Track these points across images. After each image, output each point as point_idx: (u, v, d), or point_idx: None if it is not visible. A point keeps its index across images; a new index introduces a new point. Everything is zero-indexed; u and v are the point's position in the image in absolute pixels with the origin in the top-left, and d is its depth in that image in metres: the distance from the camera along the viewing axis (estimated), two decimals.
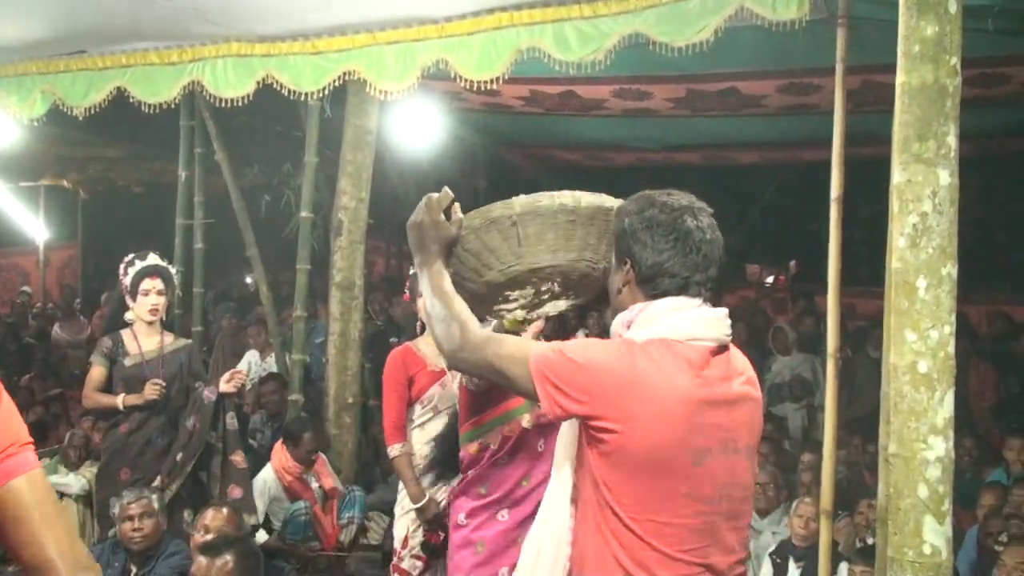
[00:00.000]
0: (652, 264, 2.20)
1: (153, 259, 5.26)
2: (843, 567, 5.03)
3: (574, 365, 2.12)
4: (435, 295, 2.30)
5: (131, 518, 4.59)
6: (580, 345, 2.21)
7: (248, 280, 11.16)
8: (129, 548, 4.62)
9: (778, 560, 5.33)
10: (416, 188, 9.48)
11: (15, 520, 1.71)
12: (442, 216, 2.35)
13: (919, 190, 2.95)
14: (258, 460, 6.16)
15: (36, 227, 13.94)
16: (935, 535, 2.91)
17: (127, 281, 5.23)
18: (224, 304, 9.48)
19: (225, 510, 4.56)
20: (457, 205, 2.41)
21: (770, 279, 12.47)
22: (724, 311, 2.26)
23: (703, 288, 2.22)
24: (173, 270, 5.51)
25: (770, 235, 11.42)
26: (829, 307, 4.34)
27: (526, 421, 3.90)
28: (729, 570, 2.19)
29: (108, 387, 5.27)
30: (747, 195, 10.45)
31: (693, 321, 2.19)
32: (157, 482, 5.09)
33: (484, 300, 2.53)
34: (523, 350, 2.20)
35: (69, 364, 9.65)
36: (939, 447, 2.92)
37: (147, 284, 5.20)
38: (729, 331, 2.26)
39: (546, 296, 2.53)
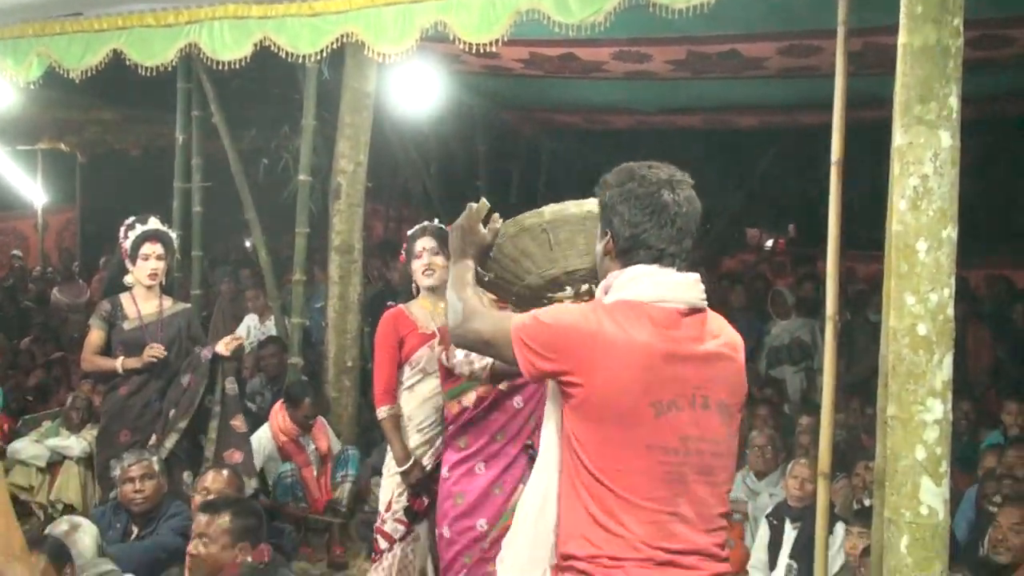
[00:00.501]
0: (629, 236, 2.34)
1: (153, 223, 5.26)
2: (839, 528, 5.07)
3: (544, 326, 2.31)
4: (454, 286, 2.55)
5: (132, 480, 4.63)
6: (552, 310, 2.43)
7: (247, 243, 11.14)
8: (131, 510, 4.65)
9: (775, 522, 5.37)
10: (415, 151, 9.46)
11: None
12: (480, 225, 2.64)
13: (920, 152, 2.94)
14: (257, 423, 6.18)
15: (34, 191, 13.87)
16: (932, 496, 2.93)
17: (127, 245, 5.23)
18: (223, 268, 9.48)
19: (225, 472, 4.58)
20: (496, 215, 2.68)
21: (770, 243, 12.47)
22: (695, 276, 2.37)
23: (677, 259, 2.35)
24: (173, 234, 5.50)
25: (770, 199, 11.40)
26: (828, 270, 4.32)
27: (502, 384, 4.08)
28: (702, 521, 2.27)
29: (107, 350, 5.27)
30: (747, 159, 10.40)
31: (661, 285, 2.32)
32: (152, 440, 5.11)
33: (528, 301, 2.72)
34: (506, 321, 2.39)
35: (69, 327, 9.64)
36: (937, 409, 2.93)
37: (147, 248, 5.21)
38: (700, 295, 2.36)
39: (585, 295, 2.67)
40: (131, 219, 5.28)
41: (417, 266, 4.58)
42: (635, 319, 2.26)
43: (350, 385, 6.81)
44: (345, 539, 5.99)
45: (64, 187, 14.02)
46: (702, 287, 2.36)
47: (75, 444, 6.33)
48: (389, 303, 8.13)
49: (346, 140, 6.72)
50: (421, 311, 4.63)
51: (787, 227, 12.67)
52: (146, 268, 5.22)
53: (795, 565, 5.21)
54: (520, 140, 10.41)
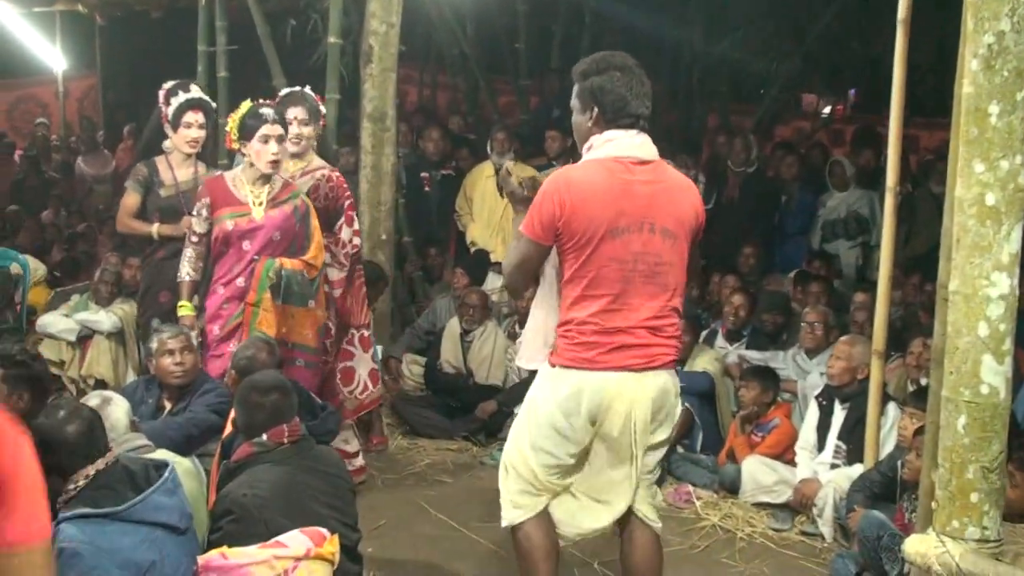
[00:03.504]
0: (617, 108, 3.22)
1: (196, 91, 5.27)
2: (891, 408, 4.91)
3: (533, 214, 3.23)
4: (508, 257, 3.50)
5: (171, 352, 4.55)
6: (536, 199, 3.26)
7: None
8: (169, 383, 4.58)
9: (823, 402, 5.20)
10: (451, 11, 9.05)
11: None
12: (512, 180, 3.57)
13: (997, 6, 2.68)
14: None
15: (53, 55, 13.47)
16: (993, 375, 2.79)
17: (168, 111, 5.21)
18: None
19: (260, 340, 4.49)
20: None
21: (828, 109, 12.05)
22: (645, 138, 3.25)
23: (645, 121, 3.26)
24: (213, 104, 5.45)
25: (829, 62, 10.85)
26: (890, 139, 4.23)
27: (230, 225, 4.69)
28: (647, 309, 3.22)
29: (141, 214, 5.29)
30: (805, 17, 9.83)
31: (619, 146, 3.23)
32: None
33: None
34: (516, 244, 3.35)
35: (94, 199, 9.55)
36: (1003, 284, 2.77)
37: (189, 117, 5.20)
38: (648, 151, 3.25)
39: None
40: (170, 84, 5.25)
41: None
42: (597, 170, 3.21)
43: (384, 259, 6.64)
44: (382, 428, 5.94)
45: (84, 52, 13.63)
46: (652, 146, 3.26)
47: (104, 319, 6.32)
48: (423, 174, 7.90)
49: (378, 0, 6.40)
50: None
51: (847, 92, 12.20)
52: (187, 136, 5.22)
53: (844, 446, 5.06)
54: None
